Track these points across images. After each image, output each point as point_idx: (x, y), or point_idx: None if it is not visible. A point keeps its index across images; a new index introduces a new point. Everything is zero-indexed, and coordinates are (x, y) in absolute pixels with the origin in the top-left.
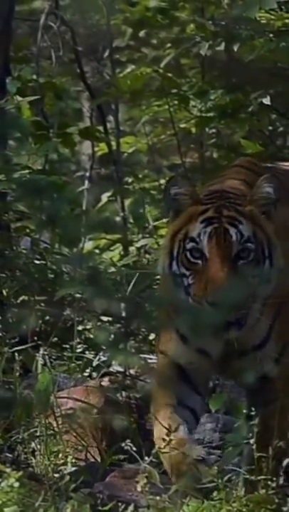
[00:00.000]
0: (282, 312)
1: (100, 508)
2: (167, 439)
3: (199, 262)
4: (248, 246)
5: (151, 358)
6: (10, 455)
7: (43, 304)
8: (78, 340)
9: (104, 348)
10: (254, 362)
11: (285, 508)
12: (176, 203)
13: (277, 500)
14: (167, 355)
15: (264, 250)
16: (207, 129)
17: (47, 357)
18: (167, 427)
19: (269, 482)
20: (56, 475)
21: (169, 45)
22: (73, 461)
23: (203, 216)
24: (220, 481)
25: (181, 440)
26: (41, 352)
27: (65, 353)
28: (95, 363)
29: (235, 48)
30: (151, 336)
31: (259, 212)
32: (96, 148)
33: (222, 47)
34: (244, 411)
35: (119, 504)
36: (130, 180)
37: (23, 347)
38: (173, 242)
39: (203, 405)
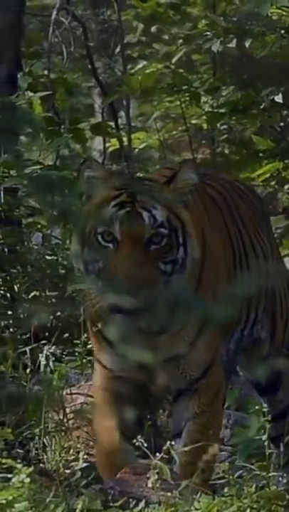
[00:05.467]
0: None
1: (110, 504)
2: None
3: (110, 245)
4: (161, 231)
5: None
6: (21, 451)
7: (54, 300)
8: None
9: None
10: (180, 370)
11: None
12: (89, 186)
13: (288, 497)
14: (100, 361)
15: (178, 237)
16: (218, 125)
17: (56, 352)
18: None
19: (280, 478)
20: (67, 471)
21: (180, 41)
22: (84, 456)
23: (116, 200)
24: (231, 477)
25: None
26: (46, 348)
27: (76, 349)
28: None
29: (247, 44)
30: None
31: (177, 200)
32: (107, 144)
33: (234, 43)
34: (256, 407)
35: (130, 500)
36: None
37: (35, 344)
38: (84, 228)
39: (145, 412)
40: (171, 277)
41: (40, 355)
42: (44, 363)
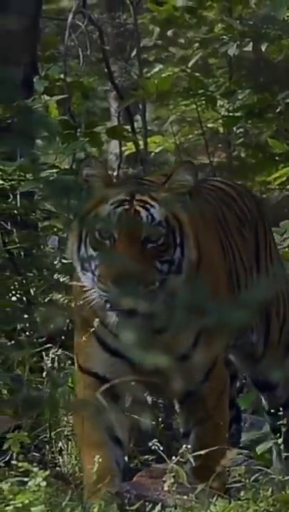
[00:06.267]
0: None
1: (127, 507)
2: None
3: (107, 242)
4: (159, 230)
5: None
6: (37, 454)
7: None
8: None
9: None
10: (182, 374)
11: None
12: (88, 184)
13: None
14: (88, 369)
15: (176, 237)
16: (235, 129)
17: (62, 356)
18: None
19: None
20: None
21: (196, 44)
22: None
23: (115, 198)
24: (247, 480)
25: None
26: (52, 352)
27: None
28: None
29: (263, 48)
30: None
31: (175, 200)
32: (124, 148)
33: (250, 47)
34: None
35: (147, 504)
36: None
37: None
38: (81, 224)
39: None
40: (168, 278)
41: (49, 358)
42: (54, 366)
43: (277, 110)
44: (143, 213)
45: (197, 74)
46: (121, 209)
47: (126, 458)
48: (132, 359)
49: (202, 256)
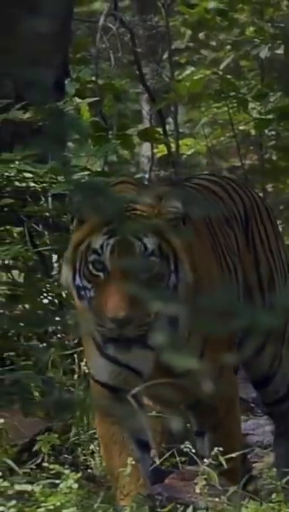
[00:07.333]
0: (210, 339)
1: (158, 509)
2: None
3: (101, 274)
4: (152, 260)
5: None
6: (69, 456)
7: None
8: None
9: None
10: (191, 383)
11: None
12: (79, 212)
13: None
14: (94, 378)
15: (170, 264)
16: (266, 131)
17: None
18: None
19: None
20: None
21: (228, 47)
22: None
23: (107, 227)
24: (278, 482)
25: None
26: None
27: None
28: None
29: None
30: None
31: (166, 226)
32: (155, 150)
33: (281, 49)
34: None
35: (178, 506)
36: None
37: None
38: (76, 254)
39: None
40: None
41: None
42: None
43: None
44: (136, 244)
45: (229, 76)
46: (114, 240)
47: (157, 460)
48: (137, 368)
49: (202, 276)
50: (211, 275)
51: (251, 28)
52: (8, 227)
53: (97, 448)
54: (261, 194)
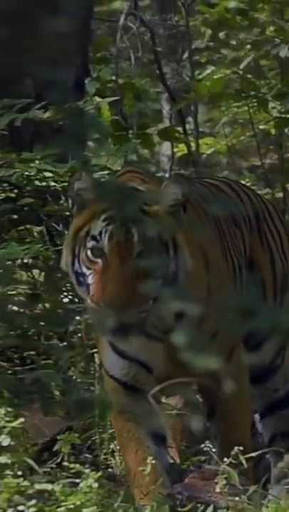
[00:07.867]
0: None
1: (179, 509)
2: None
3: (100, 261)
4: (151, 246)
5: None
6: (89, 456)
7: None
8: None
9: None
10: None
11: None
12: (79, 198)
13: None
14: (108, 373)
15: (169, 251)
16: (286, 131)
17: None
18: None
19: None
20: None
21: (248, 46)
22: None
23: (106, 214)
24: None
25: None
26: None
27: None
28: None
29: None
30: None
31: (166, 213)
32: (175, 149)
33: None
34: None
35: (198, 505)
36: None
37: None
38: (75, 239)
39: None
40: (163, 291)
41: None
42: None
43: None
44: (134, 230)
45: (249, 76)
46: (112, 226)
47: (178, 459)
48: (146, 363)
49: (209, 264)
50: (218, 267)
51: (271, 28)
52: (28, 226)
53: (118, 447)
54: (281, 194)
